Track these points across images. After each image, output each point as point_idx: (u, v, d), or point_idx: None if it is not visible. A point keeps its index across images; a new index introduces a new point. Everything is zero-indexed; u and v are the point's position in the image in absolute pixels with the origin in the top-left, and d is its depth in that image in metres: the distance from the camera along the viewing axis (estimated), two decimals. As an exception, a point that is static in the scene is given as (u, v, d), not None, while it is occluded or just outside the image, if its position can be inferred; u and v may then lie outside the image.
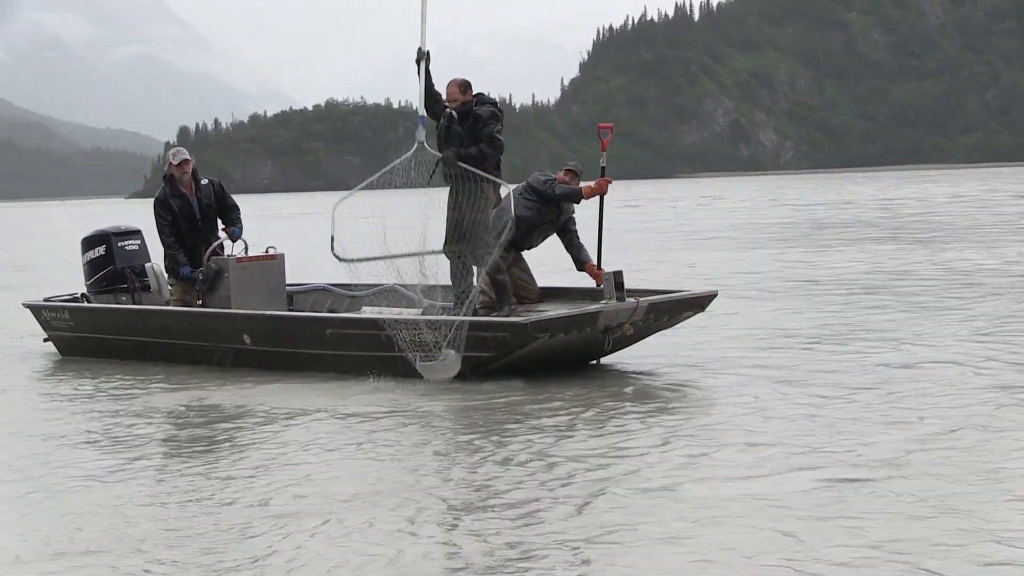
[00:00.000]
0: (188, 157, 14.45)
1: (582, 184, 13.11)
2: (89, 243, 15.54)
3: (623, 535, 6.67)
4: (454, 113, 12.55)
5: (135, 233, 15.64)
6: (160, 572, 6.37)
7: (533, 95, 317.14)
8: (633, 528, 6.78)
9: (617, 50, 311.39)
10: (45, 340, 15.75)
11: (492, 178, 12.34)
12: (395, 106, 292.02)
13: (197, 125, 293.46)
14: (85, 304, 15.44)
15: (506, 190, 12.53)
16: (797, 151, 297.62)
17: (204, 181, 14.50)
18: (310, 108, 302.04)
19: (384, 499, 7.56)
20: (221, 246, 14.38)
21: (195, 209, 14.37)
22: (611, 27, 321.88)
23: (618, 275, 12.25)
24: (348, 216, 12.29)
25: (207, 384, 12.48)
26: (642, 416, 9.95)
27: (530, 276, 13.39)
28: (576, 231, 13.33)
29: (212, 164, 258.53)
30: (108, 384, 12.93)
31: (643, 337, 12.78)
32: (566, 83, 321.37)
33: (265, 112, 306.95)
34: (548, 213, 13.08)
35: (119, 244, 15.39)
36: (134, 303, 15.13)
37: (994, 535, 6.49)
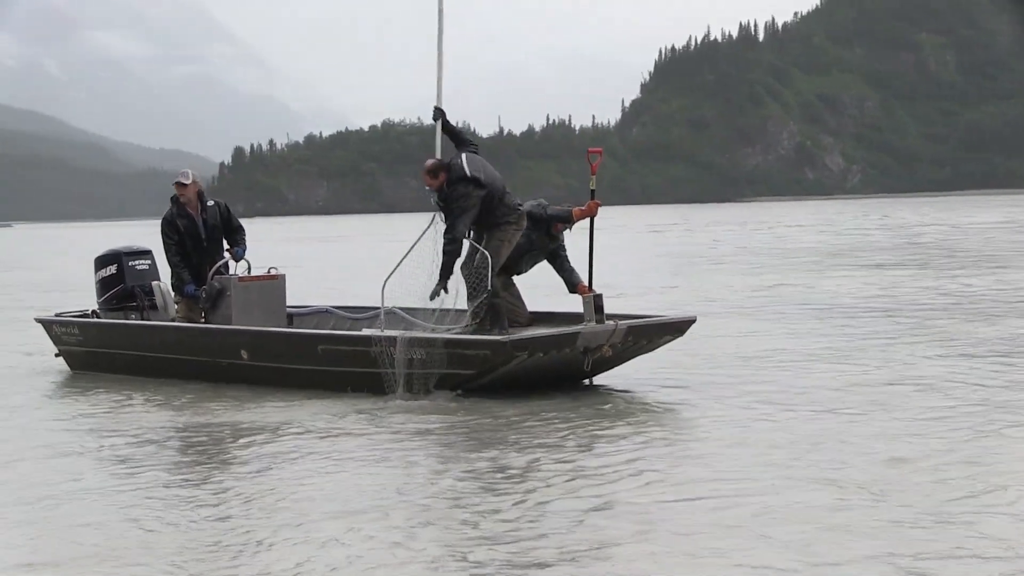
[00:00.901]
0: (195, 180, 15.26)
1: (573, 207, 13.81)
2: (101, 262, 16.46)
3: (615, 550, 7.06)
4: (439, 203, 13.34)
5: (145, 253, 16.49)
6: None
7: (593, 117, 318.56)
8: (621, 544, 7.18)
9: (680, 71, 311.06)
10: (56, 355, 16.64)
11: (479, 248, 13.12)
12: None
13: (252, 146, 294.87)
14: (93, 320, 16.32)
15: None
16: (865, 175, 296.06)
17: (210, 203, 15.30)
18: (366, 129, 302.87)
19: (382, 512, 8.03)
20: (226, 265, 15.22)
21: (200, 230, 15.17)
22: (673, 47, 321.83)
23: (598, 298, 12.97)
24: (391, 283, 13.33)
25: (207, 398, 13.36)
26: (635, 430, 10.68)
27: (520, 301, 13.97)
28: (566, 256, 13.98)
29: (266, 185, 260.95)
30: (113, 398, 13.72)
31: (625, 360, 13.48)
32: (627, 104, 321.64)
33: (321, 133, 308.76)
34: (538, 240, 13.75)
35: (129, 263, 16.29)
36: (142, 320, 15.99)
37: (988, 549, 6.89)
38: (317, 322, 15.56)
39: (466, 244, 13.25)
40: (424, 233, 13.47)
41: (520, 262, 13.85)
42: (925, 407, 11.35)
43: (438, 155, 13.60)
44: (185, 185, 15.17)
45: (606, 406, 12.08)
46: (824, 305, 21.82)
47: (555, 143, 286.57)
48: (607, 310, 13.16)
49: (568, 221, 13.81)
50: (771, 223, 79.01)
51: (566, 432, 10.74)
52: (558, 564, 6.87)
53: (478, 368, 12.50)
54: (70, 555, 7.33)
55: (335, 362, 13.28)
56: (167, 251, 15.21)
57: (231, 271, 15.27)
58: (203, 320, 15.08)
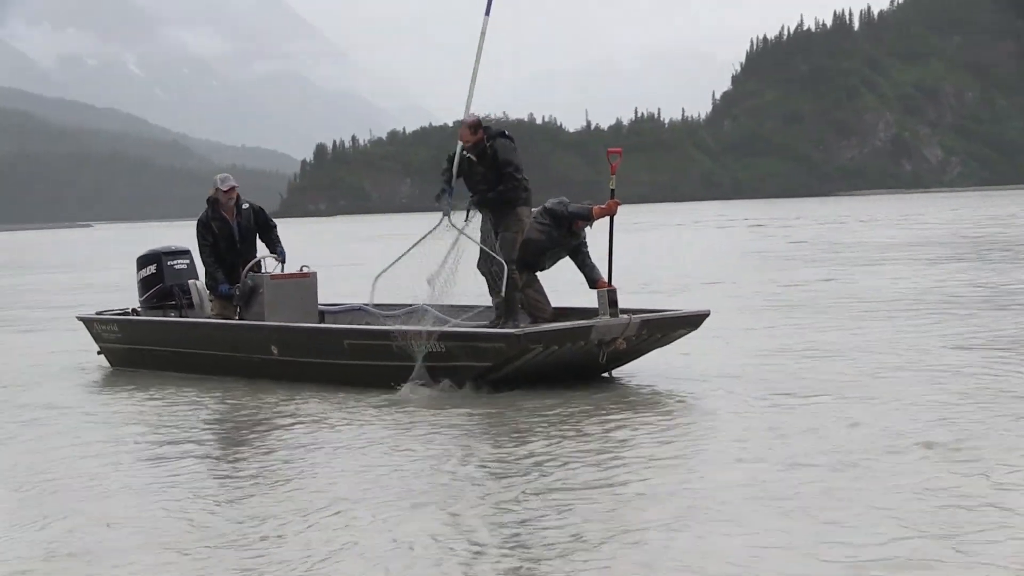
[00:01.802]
0: (234, 184, 16.05)
1: (593, 206, 14.28)
2: (142, 262, 17.31)
3: (647, 535, 7.40)
4: (472, 156, 14.13)
5: (184, 253, 17.28)
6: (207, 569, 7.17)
7: (683, 110, 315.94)
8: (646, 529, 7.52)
9: (772, 62, 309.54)
10: (98, 353, 17.34)
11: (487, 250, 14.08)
12: (538, 121, 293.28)
13: (334, 142, 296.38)
14: (130, 317, 17.16)
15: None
16: (964, 168, 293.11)
17: (245, 206, 16.12)
18: (451, 124, 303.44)
19: (415, 502, 8.39)
20: (259, 264, 16.01)
21: (234, 231, 15.99)
22: (765, 38, 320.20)
23: (611, 293, 13.58)
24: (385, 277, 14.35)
25: (238, 393, 14.04)
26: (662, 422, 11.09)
27: (543, 296, 14.53)
28: (587, 253, 14.36)
29: (349, 183, 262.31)
30: (147, 394, 14.44)
31: (641, 353, 14.03)
32: (717, 97, 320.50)
33: (404, 129, 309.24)
34: (560, 237, 14.21)
35: (168, 263, 17.12)
36: (181, 318, 16.74)
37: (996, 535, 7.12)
38: (351, 319, 16.01)
39: (473, 239, 14.09)
40: (431, 232, 14.22)
41: (542, 259, 14.36)
42: (944, 395, 11.79)
43: (453, 176, 14.25)
44: (226, 191, 15.92)
45: (629, 398, 12.61)
46: (873, 300, 22.11)
47: (643, 137, 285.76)
48: (630, 305, 13.80)
49: (588, 219, 14.23)
50: (866, 218, 78.48)
51: (587, 421, 11.21)
52: (594, 546, 7.21)
53: (494, 360, 13.00)
54: (109, 546, 7.72)
55: (361, 356, 13.88)
56: (201, 252, 15.99)
57: (265, 269, 16.03)
58: (237, 317, 15.79)
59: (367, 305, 15.82)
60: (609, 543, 7.24)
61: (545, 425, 11.15)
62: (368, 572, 6.98)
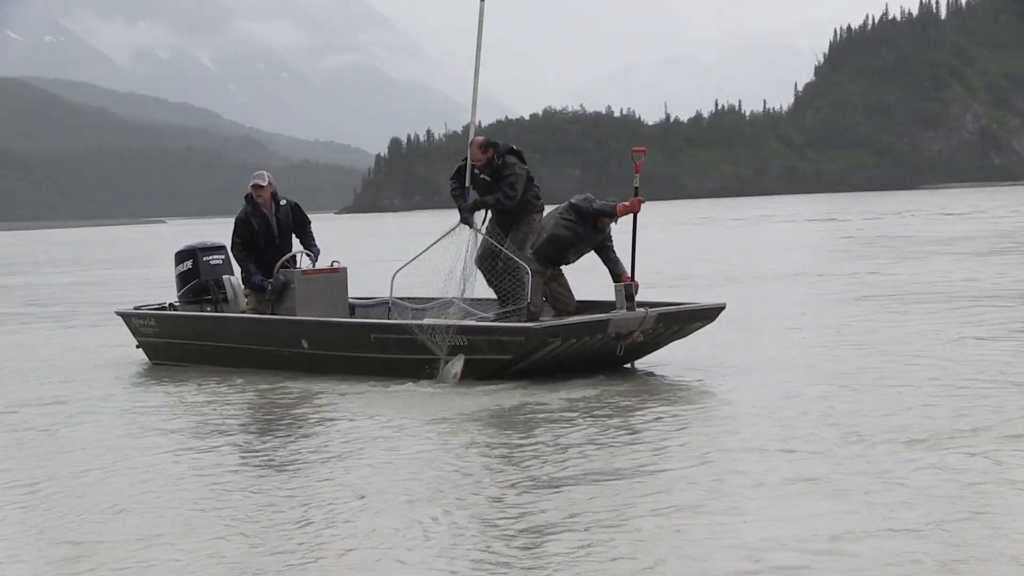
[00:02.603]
0: (270, 181, 16.73)
1: (617, 203, 15.04)
2: (179, 257, 18.01)
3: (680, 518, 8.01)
4: (485, 176, 15.09)
5: (219, 248, 17.97)
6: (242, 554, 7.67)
7: (764, 102, 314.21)
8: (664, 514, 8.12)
9: (856, 52, 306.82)
10: (137, 347, 18.03)
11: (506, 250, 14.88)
12: (616, 114, 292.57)
13: (409, 136, 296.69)
14: (166, 312, 17.88)
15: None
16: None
17: (283, 202, 16.85)
18: (527, 117, 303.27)
19: (441, 492, 9.00)
20: (293, 259, 16.71)
21: (273, 227, 16.70)
22: (849, 27, 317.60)
23: (628, 287, 14.49)
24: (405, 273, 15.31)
25: (269, 386, 14.80)
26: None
27: (568, 290, 15.37)
28: (612, 247, 15.22)
29: (424, 177, 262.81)
30: (180, 387, 15.28)
31: (659, 345, 14.90)
32: (800, 88, 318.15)
33: (480, 122, 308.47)
34: (584, 233, 15.05)
35: (204, 258, 17.84)
36: (217, 312, 17.48)
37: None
38: (381, 313, 16.60)
39: (478, 236, 15.01)
40: (445, 235, 15.08)
41: (567, 254, 15.18)
42: (961, 383, 12.64)
43: (468, 183, 15.26)
44: (262, 187, 16.64)
45: (645, 387, 13.58)
46: (926, 292, 23.29)
47: (724, 130, 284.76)
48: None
49: (613, 216, 14.98)
50: (955, 211, 77.93)
51: (613, 412, 11.94)
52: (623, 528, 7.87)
53: (514, 354, 13.74)
54: (145, 532, 8.28)
55: (387, 350, 14.63)
56: (234, 247, 16.78)
57: (299, 264, 16.74)
58: (270, 312, 16.47)
59: (398, 299, 16.12)
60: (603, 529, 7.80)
61: (575, 414, 11.86)
62: (390, 554, 7.52)
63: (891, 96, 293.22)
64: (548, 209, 15.52)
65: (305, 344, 15.54)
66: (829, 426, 10.68)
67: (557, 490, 8.86)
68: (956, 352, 14.98)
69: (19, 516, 8.96)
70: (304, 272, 16.48)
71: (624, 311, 14.28)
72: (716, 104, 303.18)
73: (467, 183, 15.16)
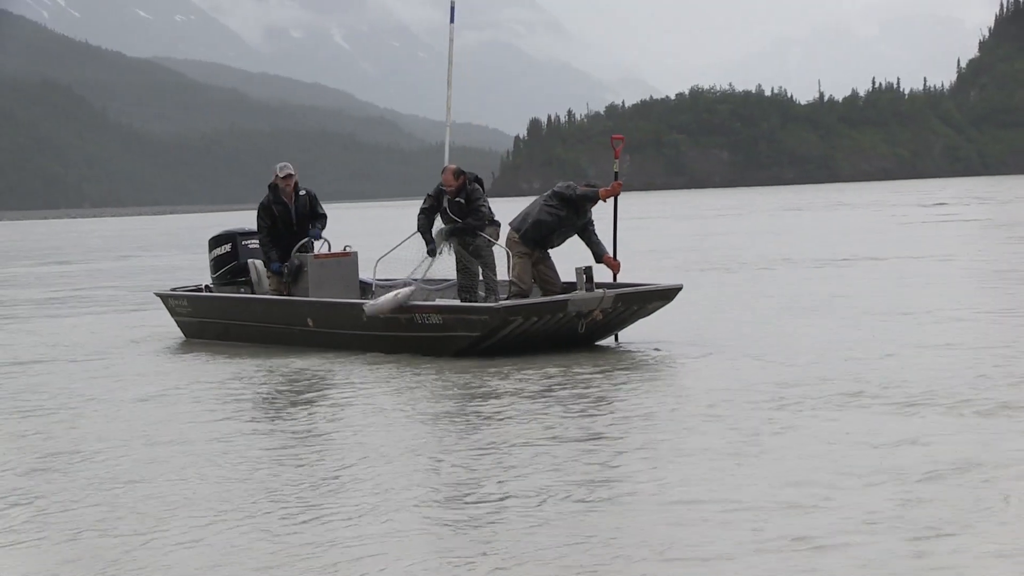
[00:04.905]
0: (292, 172, 18.79)
1: (600, 188, 17.00)
2: (216, 241, 20.27)
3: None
4: (460, 200, 17.72)
5: (256, 233, 19.53)
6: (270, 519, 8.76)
7: (925, 79, 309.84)
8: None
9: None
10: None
11: (485, 236, 17.73)
12: (767, 93, 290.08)
13: (549, 117, 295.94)
14: (197, 293, 20.23)
15: (502, 230, 17.71)
16: None
17: (302, 192, 18.94)
18: (672, 97, 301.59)
19: (414, 453, 10.61)
20: (310, 243, 18.83)
21: (292, 215, 18.76)
22: (1017, 0, 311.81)
23: (588, 270, 16.35)
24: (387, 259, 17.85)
25: (278, 361, 16.89)
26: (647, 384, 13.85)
27: (554, 272, 17.43)
28: (593, 231, 17.24)
29: (565, 159, 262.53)
30: (201, 360, 17.63)
31: (624, 324, 17.03)
32: (963, 65, 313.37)
33: (623, 102, 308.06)
34: (567, 218, 17.06)
35: (243, 243, 20.06)
36: (252, 293, 19.74)
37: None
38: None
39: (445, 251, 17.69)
40: (417, 238, 17.75)
41: (552, 237, 17.21)
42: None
43: (447, 162, 18.26)
44: (291, 175, 18.70)
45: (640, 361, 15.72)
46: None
47: (881, 108, 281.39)
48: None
49: (595, 200, 16.93)
50: None
51: (581, 386, 13.72)
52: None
53: (481, 331, 15.91)
54: (174, 502, 9.30)
55: (377, 327, 16.76)
56: (259, 232, 18.87)
57: (315, 249, 18.88)
58: (287, 292, 18.71)
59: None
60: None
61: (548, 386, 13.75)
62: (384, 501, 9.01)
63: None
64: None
65: (310, 322, 17.84)
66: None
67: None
68: None
69: (62, 482, 10.09)
70: (316, 256, 18.65)
71: (583, 292, 16.23)
72: (873, 82, 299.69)
73: (444, 207, 17.76)
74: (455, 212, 17.66)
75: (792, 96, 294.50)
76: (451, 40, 19.51)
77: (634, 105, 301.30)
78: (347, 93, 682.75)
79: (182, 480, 9.89)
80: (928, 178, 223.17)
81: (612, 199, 17.03)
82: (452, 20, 19.63)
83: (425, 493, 9.13)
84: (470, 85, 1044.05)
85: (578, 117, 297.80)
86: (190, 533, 8.32)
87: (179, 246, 63.58)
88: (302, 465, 10.28)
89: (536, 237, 17.10)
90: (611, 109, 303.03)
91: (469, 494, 9.05)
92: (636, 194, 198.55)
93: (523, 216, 17.25)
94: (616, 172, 17.11)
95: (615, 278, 17.18)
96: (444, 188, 17.71)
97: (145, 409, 13.50)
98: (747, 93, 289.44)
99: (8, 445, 11.71)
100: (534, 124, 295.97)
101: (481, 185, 18.02)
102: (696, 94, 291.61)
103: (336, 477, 9.76)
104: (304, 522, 8.47)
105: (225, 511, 8.84)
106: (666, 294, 16.98)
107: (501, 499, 8.85)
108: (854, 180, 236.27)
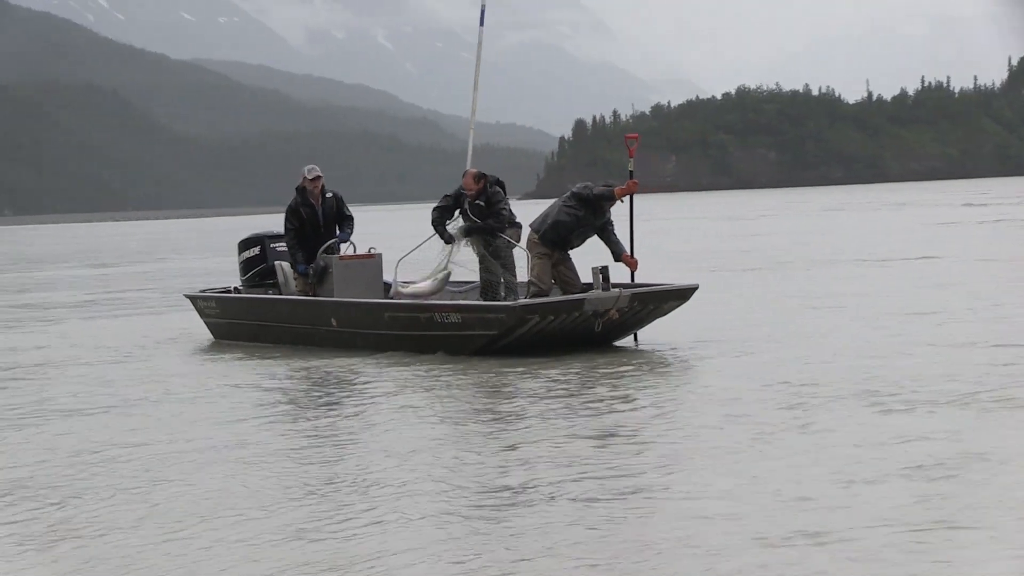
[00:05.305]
0: (320, 175, 19.07)
1: (616, 187, 17.30)
2: (245, 244, 20.67)
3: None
4: (480, 202, 17.96)
5: (283, 235, 19.77)
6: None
7: (975, 77, 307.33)
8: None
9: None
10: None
11: (505, 237, 18.04)
12: (814, 92, 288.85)
13: (594, 117, 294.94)
14: (224, 295, 20.61)
15: (524, 232, 18.09)
16: None
17: (329, 194, 19.34)
18: (718, 96, 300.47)
19: (434, 454, 10.83)
20: (337, 245, 19.14)
21: (319, 217, 19.14)
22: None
23: (604, 269, 16.72)
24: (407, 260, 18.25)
25: (302, 360, 17.36)
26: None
27: (575, 273, 17.70)
28: (612, 230, 17.58)
29: (610, 160, 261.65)
30: (228, 360, 18.05)
31: (642, 323, 17.36)
32: (1014, 62, 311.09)
33: (669, 102, 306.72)
34: (585, 218, 17.38)
35: (271, 245, 20.35)
36: (280, 295, 19.95)
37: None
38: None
39: (469, 249, 17.98)
40: (438, 236, 18.08)
41: (571, 237, 17.53)
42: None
43: (469, 165, 18.53)
44: (320, 177, 19.02)
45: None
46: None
47: (930, 108, 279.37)
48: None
49: (612, 199, 17.24)
50: None
51: (594, 383, 14.20)
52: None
53: (499, 329, 16.26)
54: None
55: (398, 327, 17.27)
56: (286, 234, 19.19)
57: (342, 251, 19.19)
58: (313, 294, 19.03)
59: (401, 282, 18.27)
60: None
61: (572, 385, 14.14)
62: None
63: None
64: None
65: (334, 322, 18.25)
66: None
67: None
68: None
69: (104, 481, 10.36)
70: (341, 257, 19.00)
71: (599, 291, 16.56)
72: (922, 81, 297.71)
73: (464, 208, 18.04)
74: (475, 214, 17.94)
75: (839, 95, 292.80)
76: (479, 43, 20.12)
77: (680, 105, 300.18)
78: (390, 94, 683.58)
79: (209, 479, 10.11)
80: (978, 178, 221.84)
81: (628, 198, 17.30)
82: (482, 23, 20.27)
83: (449, 490, 9.37)
84: (514, 86, 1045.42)
85: (623, 118, 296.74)
86: (215, 533, 8.49)
87: (216, 249, 63.75)
88: (328, 462, 10.60)
89: (555, 238, 17.43)
90: (656, 109, 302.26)
91: (494, 492, 9.28)
92: (681, 195, 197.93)
93: (543, 217, 17.62)
94: (631, 171, 17.42)
95: (632, 276, 17.59)
96: (464, 191, 18.03)
97: (169, 410, 13.79)
98: (794, 92, 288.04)
99: (39, 445, 12.00)
100: (579, 125, 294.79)
101: (503, 188, 18.21)
102: (743, 94, 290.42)
103: (361, 477, 9.95)
104: (332, 520, 8.65)
105: (247, 509, 9.03)
106: (682, 294, 17.30)
107: (525, 496, 9.09)
108: (902, 180, 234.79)
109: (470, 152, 19.40)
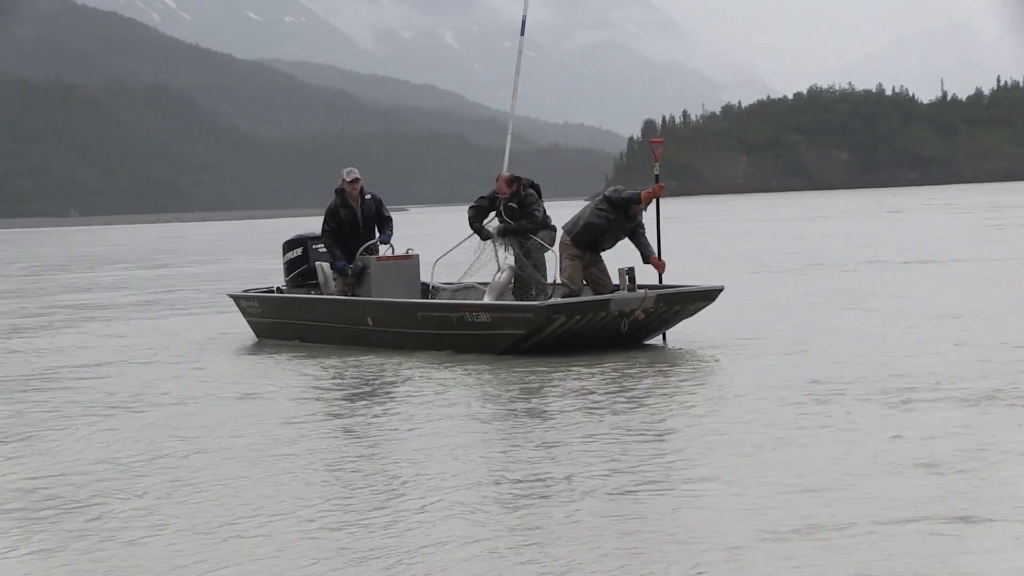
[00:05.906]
0: (358, 176, 19.69)
1: (642, 191, 17.77)
2: (289, 245, 21.33)
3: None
4: (513, 204, 18.58)
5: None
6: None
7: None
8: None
9: None
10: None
11: (536, 239, 18.54)
12: (888, 92, 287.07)
13: (664, 118, 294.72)
14: (266, 295, 21.16)
15: (556, 235, 18.51)
16: None
17: (368, 196, 19.91)
18: (790, 96, 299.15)
19: (481, 446, 11.37)
20: (376, 246, 19.70)
21: (359, 218, 19.71)
22: None
23: (630, 271, 17.22)
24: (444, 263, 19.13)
25: (338, 358, 17.91)
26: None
27: (605, 274, 18.13)
28: (643, 233, 18.08)
29: (679, 163, 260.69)
30: (268, 359, 18.60)
31: (668, 324, 17.83)
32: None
33: (740, 103, 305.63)
34: (615, 221, 17.88)
35: (313, 246, 20.84)
36: (322, 295, 20.49)
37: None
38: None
39: (497, 247, 18.54)
40: (473, 240, 18.83)
41: (602, 240, 18.00)
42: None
43: (505, 169, 19.06)
44: (358, 180, 19.61)
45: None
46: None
47: (1007, 108, 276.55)
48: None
49: (639, 202, 17.70)
50: None
51: (633, 382, 14.55)
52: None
53: (527, 329, 16.77)
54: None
55: (430, 326, 17.84)
56: (323, 235, 19.80)
57: (381, 252, 19.70)
58: (351, 293, 19.61)
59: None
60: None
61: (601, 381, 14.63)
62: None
63: None
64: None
65: (370, 321, 18.79)
66: None
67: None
68: None
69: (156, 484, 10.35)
70: (379, 258, 19.54)
71: (625, 292, 17.04)
72: (998, 80, 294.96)
73: (499, 210, 18.63)
74: (509, 216, 18.48)
75: (913, 95, 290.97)
76: (519, 52, 20.64)
77: (750, 105, 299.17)
78: (457, 94, 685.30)
79: (254, 477, 10.28)
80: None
81: (654, 201, 17.76)
82: (523, 33, 20.84)
83: (487, 484, 9.67)
84: (583, 85, 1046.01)
85: (693, 118, 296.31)
86: (262, 528, 8.69)
87: (277, 250, 63.92)
88: (369, 458, 10.86)
89: (586, 240, 17.92)
90: (727, 109, 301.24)
91: (530, 483, 9.61)
92: (751, 196, 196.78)
93: (575, 220, 18.11)
94: (656, 175, 17.87)
95: (660, 278, 18.02)
96: (499, 195, 18.60)
97: (210, 408, 14.12)
98: (867, 92, 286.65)
99: (86, 444, 12.20)
100: (648, 125, 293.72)
101: (537, 190, 18.70)
102: (814, 94, 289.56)
103: (401, 475, 10.13)
104: (372, 518, 8.83)
105: (286, 511, 9.12)
106: (708, 295, 17.81)
107: (559, 487, 9.43)
108: (977, 181, 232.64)
109: (507, 156, 19.73)
